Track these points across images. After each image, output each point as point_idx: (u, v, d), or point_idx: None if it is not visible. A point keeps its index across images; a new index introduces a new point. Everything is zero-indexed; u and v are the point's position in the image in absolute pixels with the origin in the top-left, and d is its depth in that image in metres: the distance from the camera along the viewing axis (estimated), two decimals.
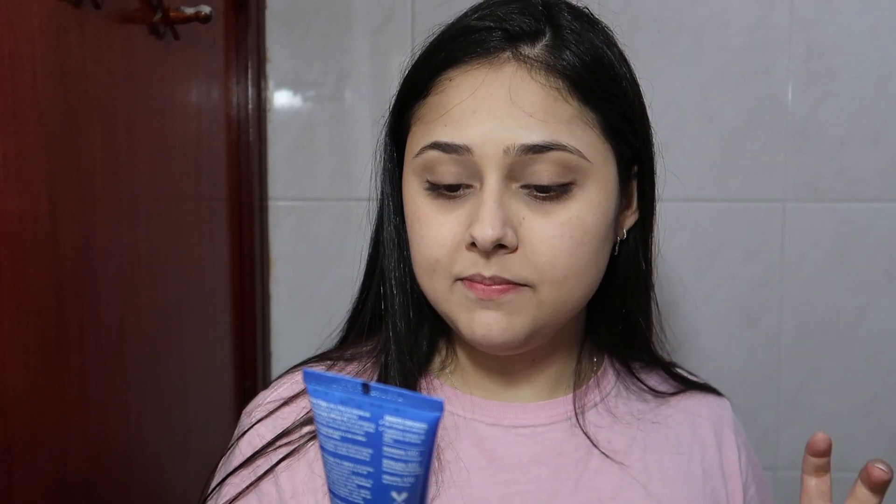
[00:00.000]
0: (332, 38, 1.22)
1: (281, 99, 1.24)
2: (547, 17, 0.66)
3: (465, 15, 0.69)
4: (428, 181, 0.66)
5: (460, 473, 0.68)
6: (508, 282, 0.64)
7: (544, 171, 0.63)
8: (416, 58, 0.70)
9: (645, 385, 0.78)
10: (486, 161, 0.63)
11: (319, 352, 0.79)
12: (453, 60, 0.66)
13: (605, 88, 0.66)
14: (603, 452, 0.71)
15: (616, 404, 0.75)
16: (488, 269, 0.64)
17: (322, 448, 0.48)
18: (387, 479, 0.46)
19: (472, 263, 0.64)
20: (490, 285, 0.64)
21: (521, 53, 0.64)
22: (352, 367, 0.75)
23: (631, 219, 0.73)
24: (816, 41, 1.17)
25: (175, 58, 1.01)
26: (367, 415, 0.45)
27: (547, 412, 0.72)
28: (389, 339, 0.72)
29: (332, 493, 0.49)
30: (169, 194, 1.01)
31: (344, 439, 0.46)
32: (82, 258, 0.80)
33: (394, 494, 0.47)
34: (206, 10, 0.96)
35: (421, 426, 0.45)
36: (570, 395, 0.74)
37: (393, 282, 0.73)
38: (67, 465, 0.78)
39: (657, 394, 0.78)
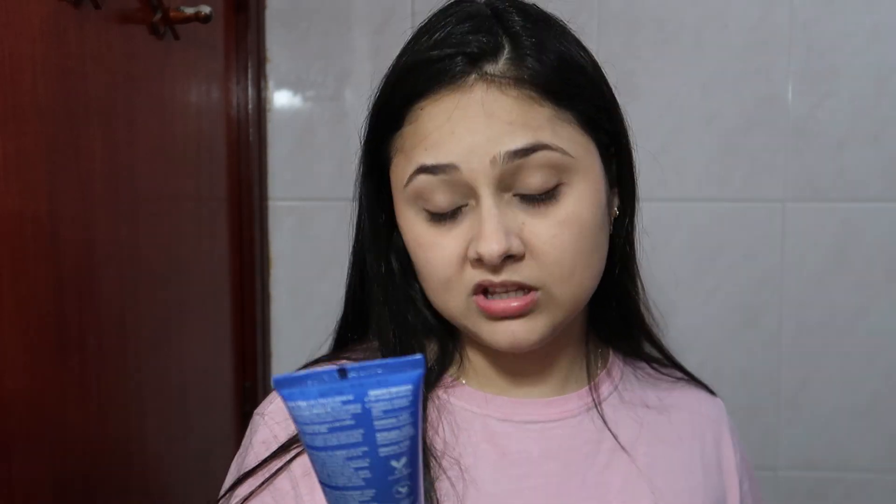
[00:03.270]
0: (332, 38, 1.22)
1: (281, 99, 1.24)
2: (501, 27, 0.66)
3: (420, 40, 0.68)
4: (425, 210, 0.67)
5: (473, 468, 0.69)
6: (520, 285, 0.65)
7: (534, 178, 0.64)
8: (380, 90, 0.71)
9: (651, 368, 0.79)
10: (476, 176, 0.64)
11: (326, 352, 0.80)
12: (421, 92, 0.66)
13: (574, 85, 0.66)
14: (619, 444, 0.72)
15: (624, 395, 0.76)
16: (498, 276, 0.65)
17: (309, 447, 0.47)
18: (384, 451, 0.46)
19: (480, 273, 0.65)
20: (504, 292, 0.65)
21: (486, 73, 0.64)
22: None
23: (617, 197, 0.74)
24: (816, 41, 1.17)
25: (175, 58, 1.01)
26: (351, 397, 0.45)
27: (556, 409, 0.73)
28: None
29: (328, 486, 0.48)
30: (169, 194, 1.01)
31: (332, 430, 0.46)
32: (82, 258, 0.80)
33: (393, 463, 0.47)
34: (206, 10, 0.96)
35: (407, 388, 0.45)
36: (581, 391, 0.75)
37: (385, 315, 0.73)
38: (67, 465, 0.78)
39: (663, 375, 0.79)
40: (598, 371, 0.76)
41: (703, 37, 1.18)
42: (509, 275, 0.65)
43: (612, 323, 0.78)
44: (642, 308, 0.80)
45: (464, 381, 0.75)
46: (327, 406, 0.45)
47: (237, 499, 0.68)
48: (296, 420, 0.46)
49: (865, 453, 1.22)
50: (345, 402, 0.45)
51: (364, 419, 0.45)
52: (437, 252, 0.66)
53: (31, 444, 0.72)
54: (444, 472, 0.69)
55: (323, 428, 0.45)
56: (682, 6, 1.18)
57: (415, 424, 0.47)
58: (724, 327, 1.22)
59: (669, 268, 1.20)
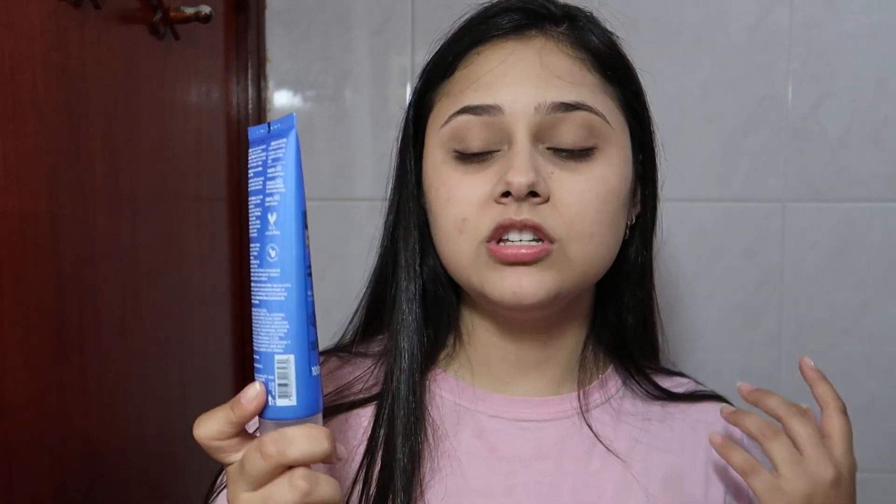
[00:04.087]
0: (332, 38, 1.22)
1: (281, 99, 1.24)
2: (562, 7, 0.72)
3: (482, 8, 0.72)
4: (454, 150, 0.68)
5: (461, 463, 0.69)
6: (538, 228, 0.65)
7: (570, 133, 0.66)
8: (438, 46, 0.73)
9: (652, 387, 0.78)
10: (517, 119, 0.66)
11: (334, 345, 0.80)
12: (481, 39, 0.70)
13: (620, 68, 0.71)
14: (607, 448, 0.72)
15: (621, 405, 0.76)
16: (520, 213, 0.65)
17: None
18: (268, 201, 0.53)
19: (501, 212, 0.65)
20: (521, 230, 0.65)
21: (547, 29, 0.69)
22: (361, 362, 0.76)
23: (636, 209, 0.75)
24: (816, 41, 1.17)
25: (175, 58, 1.01)
26: (265, 146, 0.53)
27: (550, 408, 0.73)
28: (397, 339, 0.73)
29: (251, 238, 0.55)
30: (169, 194, 1.01)
31: (255, 174, 0.53)
32: (82, 258, 0.80)
33: (269, 217, 0.53)
34: (206, 10, 0.96)
35: (283, 141, 0.52)
36: (575, 393, 0.74)
37: (404, 280, 0.73)
38: (67, 465, 0.78)
39: (666, 394, 0.78)
40: (593, 379, 0.76)
41: (703, 37, 1.18)
42: (531, 215, 0.64)
43: (620, 330, 0.77)
44: (657, 326, 0.80)
45: (458, 372, 0.75)
46: (256, 153, 0.53)
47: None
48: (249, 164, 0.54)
49: (865, 453, 1.22)
50: (263, 150, 0.53)
51: (265, 167, 0.53)
52: (459, 191, 0.67)
53: (31, 443, 0.72)
54: (434, 465, 0.69)
55: (251, 172, 0.54)
56: (682, 6, 1.18)
57: (288, 183, 0.52)
58: (724, 327, 1.22)
59: (669, 268, 1.20)
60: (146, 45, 0.94)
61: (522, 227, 0.64)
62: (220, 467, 0.75)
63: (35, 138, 0.72)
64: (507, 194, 0.64)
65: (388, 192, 0.77)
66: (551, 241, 0.65)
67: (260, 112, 1.23)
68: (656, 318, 0.80)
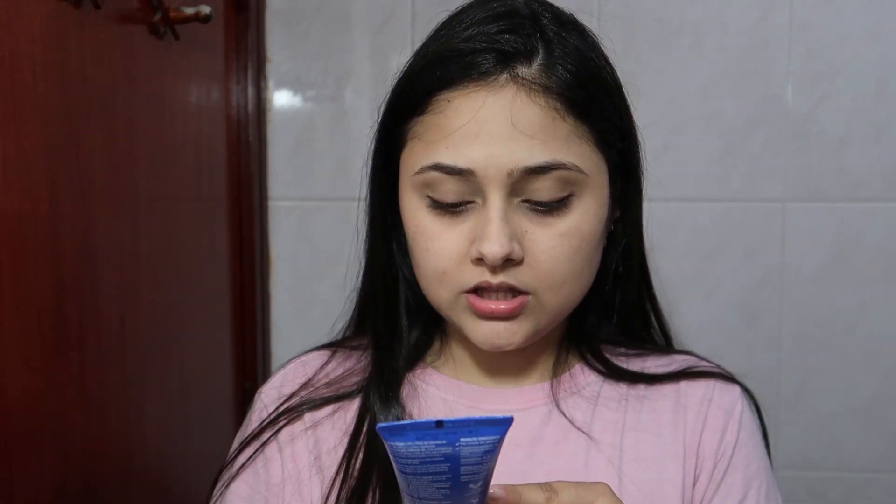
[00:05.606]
0: (332, 38, 1.22)
1: (281, 99, 1.24)
2: (537, 31, 0.67)
3: (453, 30, 0.68)
4: (429, 196, 0.68)
5: None
6: (514, 288, 0.67)
7: (545, 189, 0.66)
8: (405, 73, 0.71)
9: (630, 372, 0.78)
10: (489, 182, 0.65)
11: (330, 341, 0.83)
12: (449, 82, 0.66)
13: (596, 102, 0.67)
14: (583, 432, 0.73)
15: (600, 391, 0.76)
16: (496, 278, 0.66)
17: (400, 472, 0.52)
18: (464, 477, 0.51)
19: (478, 273, 0.67)
20: (497, 291, 0.67)
21: (518, 75, 0.65)
22: (354, 357, 0.79)
23: (618, 211, 0.75)
24: (816, 41, 1.17)
25: (175, 58, 1.01)
26: (444, 442, 0.50)
27: (524, 398, 0.75)
28: (374, 342, 0.77)
29: (412, 496, 0.53)
30: (169, 194, 1.01)
31: (423, 462, 0.50)
32: (82, 258, 0.80)
33: (471, 485, 0.52)
34: (206, 10, 0.96)
35: (494, 438, 0.51)
36: (547, 383, 0.76)
37: (380, 288, 0.76)
38: (67, 465, 0.78)
39: (647, 378, 0.78)
40: (566, 369, 0.77)
41: (703, 37, 1.18)
42: (506, 277, 0.66)
43: (594, 323, 0.78)
44: (661, 315, 0.83)
45: (440, 369, 0.77)
46: (422, 447, 0.50)
47: (235, 468, 0.75)
48: (391, 452, 0.51)
49: (865, 453, 1.22)
50: (438, 445, 0.50)
51: (452, 457, 0.50)
52: (438, 244, 0.68)
53: (31, 444, 0.72)
54: None
55: (415, 461, 0.50)
56: (682, 6, 1.18)
57: (495, 458, 0.52)
58: (724, 327, 1.22)
59: (669, 268, 1.20)
60: (146, 45, 0.94)
61: (498, 289, 0.67)
62: (222, 465, 0.76)
63: (35, 138, 0.72)
64: (482, 259, 0.66)
65: (364, 201, 0.77)
66: (525, 294, 0.67)
67: (260, 112, 1.23)
68: (656, 309, 0.82)
